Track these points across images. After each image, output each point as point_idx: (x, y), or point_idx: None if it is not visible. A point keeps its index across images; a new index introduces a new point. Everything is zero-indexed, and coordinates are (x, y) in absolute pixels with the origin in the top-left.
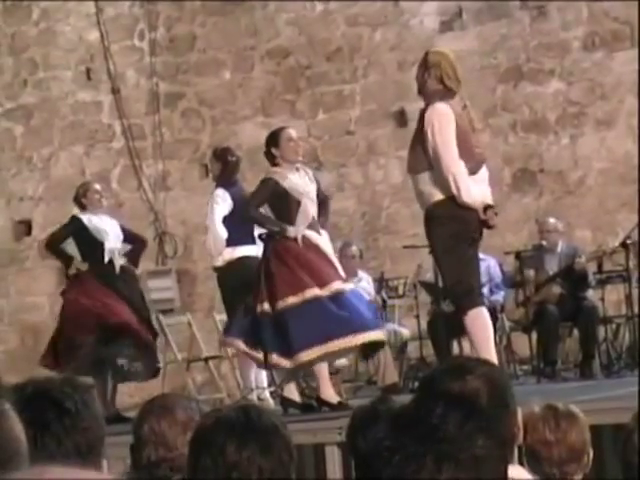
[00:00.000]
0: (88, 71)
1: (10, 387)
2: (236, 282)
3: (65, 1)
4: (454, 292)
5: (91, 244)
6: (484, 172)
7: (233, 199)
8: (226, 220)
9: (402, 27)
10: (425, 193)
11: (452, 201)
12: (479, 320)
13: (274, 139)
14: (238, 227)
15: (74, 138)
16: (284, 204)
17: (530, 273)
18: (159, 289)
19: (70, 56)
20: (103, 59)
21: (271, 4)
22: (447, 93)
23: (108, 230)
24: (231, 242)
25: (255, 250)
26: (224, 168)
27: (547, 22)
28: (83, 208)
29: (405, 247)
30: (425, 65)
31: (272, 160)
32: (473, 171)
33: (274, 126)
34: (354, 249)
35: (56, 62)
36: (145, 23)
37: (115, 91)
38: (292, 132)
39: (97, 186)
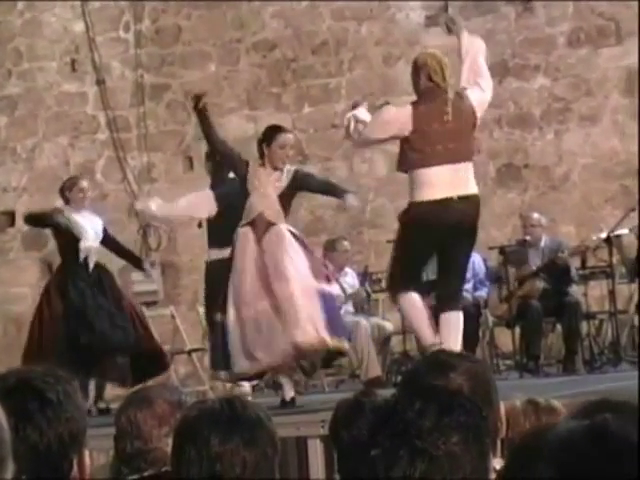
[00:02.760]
0: (73, 62)
1: None
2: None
3: None
4: None
5: (68, 240)
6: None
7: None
8: (215, 220)
9: (388, 21)
10: None
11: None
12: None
13: (270, 137)
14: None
15: (58, 129)
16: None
17: (513, 268)
18: (142, 281)
19: (55, 47)
20: (88, 50)
21: None
22: (437, 89)
23: (87, 228)
24: (221, 243)
25: None
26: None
27: (533, 18)
28: (66, 202)
29: (389, 242)
30: (415, 67)
31: (259, 151)
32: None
33: (260, 119)
34: (345, 244)
35: (41, 53)
36: (130, 15)
37: (100, 82)
38: (288, 139)
39: (84, 184)
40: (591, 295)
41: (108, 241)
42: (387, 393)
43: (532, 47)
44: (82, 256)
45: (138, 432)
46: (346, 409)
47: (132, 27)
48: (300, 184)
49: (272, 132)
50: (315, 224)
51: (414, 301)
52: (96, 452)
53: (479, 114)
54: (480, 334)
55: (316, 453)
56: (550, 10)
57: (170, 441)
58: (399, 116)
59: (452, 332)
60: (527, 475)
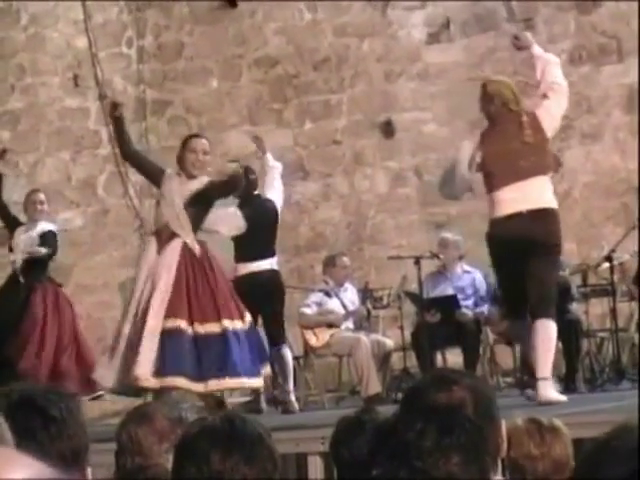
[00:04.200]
0: (75, 77)
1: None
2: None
3: (54, 7)
4: None
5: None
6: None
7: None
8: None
9: (389, 38)
10: None
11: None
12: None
13: (183, 143)
14: (252, 243)
15: (60, 144)
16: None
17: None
18: None
19: (58, 62)
20: (91, 66)
21: (259, 13)
22: (509, 113)
23: (19, 241)
24: (245, 258)
25: (269, 264)
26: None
27: (534, 35)
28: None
29: (390, 258)
30: (487, 95)
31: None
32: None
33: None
34: (345, 260)
35: (44, 68)
36: (133, 30)
37: (102, 98)
38: (199, 143)
39: (39, 196)
40: (592, 313)
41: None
42: (387, 410)
43: (534, 65)
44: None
45: (139, 448)
46: (347, 427)
47: (135, 43)
48: (210, 194)
49: (185, 139)
50: (316, 240)
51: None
52: (97, 468)
53: (551, 127)
54: (480, 351)
55: (316, 470)
56: (552, 27)
57: (171, 457)
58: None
59: (539, 340)
60: (600, 476)
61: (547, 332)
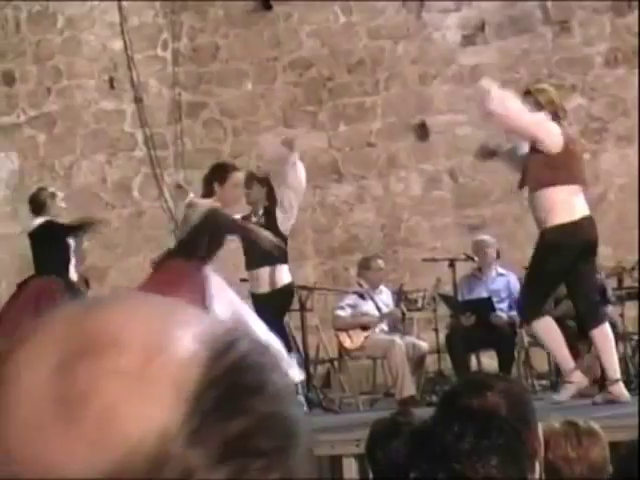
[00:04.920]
0: (111, 80)
1: None
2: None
3: (90, 10)
4: None
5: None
6: None
7: None
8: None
9: (424, 40)
10: None
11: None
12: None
13: (220, 174)
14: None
15: (96, 146)
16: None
17: None
18: None
19: (94, 65)
20: (126, 68)
21: (294, 15)
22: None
23: None
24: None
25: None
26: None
27: (569, 37)
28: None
29: (424, 260)
30: (537, 102)
31: (208, 189)
32: None
33: (296, 137)
34: (380, 262)
35: (80, 71)
36: (168, 33)
37: (137, 100)
38: (240, 177)
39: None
40: (627, 316)
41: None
42: (421, 412)
43: (569, 67)
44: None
45: None
46: (383, 429)
47: (170, 45)
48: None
49: (223, 171)
50: (350, 242)
51: (550, 325)
52: None
53: None
54: (515, 354)
55: (351, 472)
56: (587, 30)
57: None
58: (552, 128)
59: (604, 345)
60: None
61: (606, 336)
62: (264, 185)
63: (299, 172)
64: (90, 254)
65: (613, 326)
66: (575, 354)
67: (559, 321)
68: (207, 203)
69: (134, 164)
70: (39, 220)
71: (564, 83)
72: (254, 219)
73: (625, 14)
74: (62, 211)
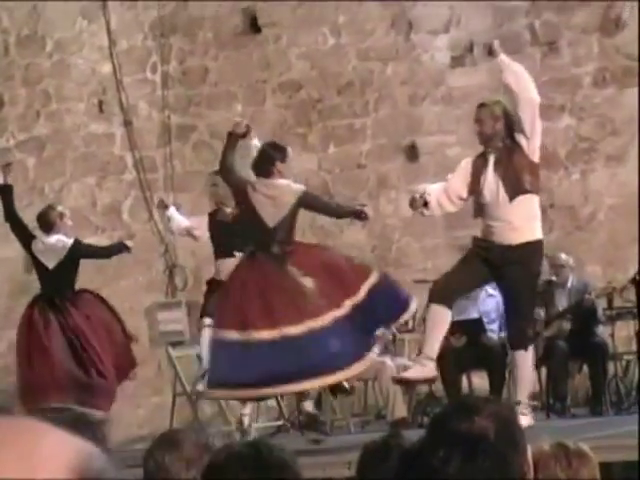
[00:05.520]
0: (100, 103)
1: None
2: None
3: (79, 33)
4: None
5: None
6: None
7: None
8: None
9: (413, 61)
10: None
11: None
12: None
13: (283, 154)
14: None
15: (86, 170)
16: None
17: (539, 310)
18: (169, 321)
19: (83, 88)
20: (115, 91)
21: (283, 38)
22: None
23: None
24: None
25: None
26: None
27: (558, 58)
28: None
29: (415, 281)
30: (495, 117)
31: (269, 169)
32: None
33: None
34: None
35: (69, 94)
36: (158, 56)
37: (127, 123)
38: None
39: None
40: (618, 336)
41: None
42: (413, 434)
43: (557, 87)
44: None
45: (166, 475)
46: (373, 451)
47: (159, 68)
48: None
49: (282, 149)
50: None
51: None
52: None
53: None
54: (507, 374)
55: None
56: (575, 50)
57: None
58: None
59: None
60: None
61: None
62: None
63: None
64: (80, 276)
65: (603, 346)
66: (566, 373)
67: (550, 341)
68: None
69: (124, 187)
70: (56, 238)
71: (553, 103)
72: (228, 212)
73: (613, 34)
74: (70, 229)
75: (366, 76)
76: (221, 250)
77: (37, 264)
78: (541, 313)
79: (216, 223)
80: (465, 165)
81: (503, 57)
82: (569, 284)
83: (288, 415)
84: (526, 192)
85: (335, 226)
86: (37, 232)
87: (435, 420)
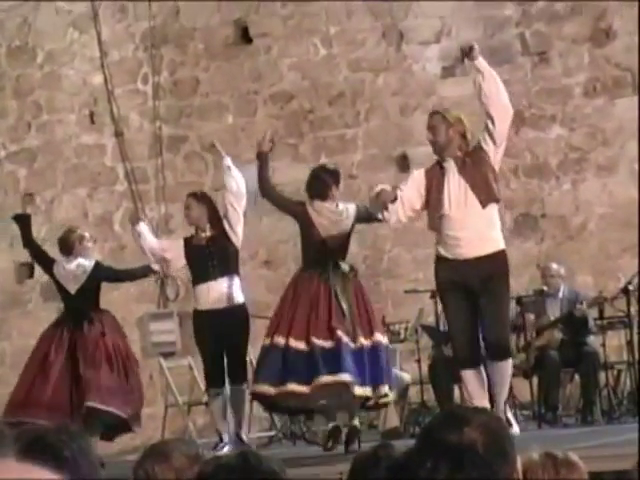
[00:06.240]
0: (92, 114)
1: (12, 435)
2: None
3: (70, 44)
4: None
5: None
6: None
7: None
8: None
9: (404, 72)
10: None
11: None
12: None
13: (338, 178)
14: None
15: (77, 181)
16: None
17: (531, 318)
18: (160, 332)
19: (74, 99)
20: (107, 102)
21: (274, 48)
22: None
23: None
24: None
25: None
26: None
27: (549, 68)
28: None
29: (407, 291)
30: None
31: (325, 193)
32: None
33: (277, 170)
34: None
35: (60, 105)
36: (149, 67)
37: (118, 134)
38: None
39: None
40: (609, 345)
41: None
42: (405, 444)
43: (548, 97)
44: None
45: None
46: (363, 462)
47: (150, 79)
48: None
49: (337, 174)
50: None
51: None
52: None
53: None
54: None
55: None
56: (566, 60)
57: None
58: None
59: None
60: None
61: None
62: (203, 203)
63: (235, 175)
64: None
65: (595, 355)
66: (557, 383)
67: (541, 350)
68: None
69: (115, 198)
70: (76, 263)
71: (544, 113)
72: (203, 236)
73: (603, 44)
74: (91, 252)
75: (357, 87)
76: (197, 275)
77: (59, 287)
78: (532, 320)
79: (193, 248)
80: (418, 176)
81: (482, 60)
82: (560, 294)
83: (280, 426)
84: (497, 200)
85: None
86: (58, 256)
87: (424, 430)
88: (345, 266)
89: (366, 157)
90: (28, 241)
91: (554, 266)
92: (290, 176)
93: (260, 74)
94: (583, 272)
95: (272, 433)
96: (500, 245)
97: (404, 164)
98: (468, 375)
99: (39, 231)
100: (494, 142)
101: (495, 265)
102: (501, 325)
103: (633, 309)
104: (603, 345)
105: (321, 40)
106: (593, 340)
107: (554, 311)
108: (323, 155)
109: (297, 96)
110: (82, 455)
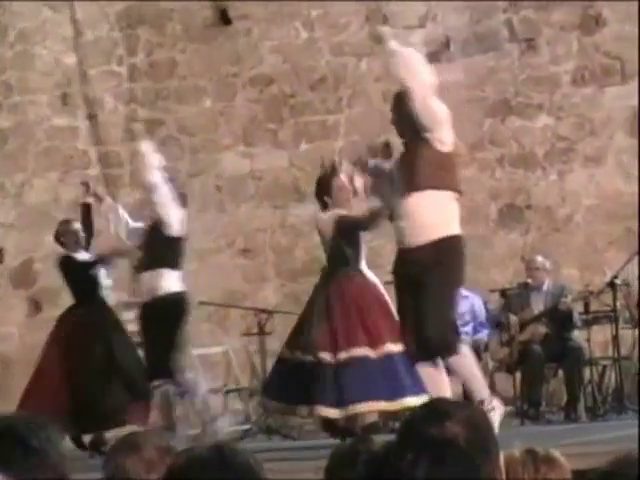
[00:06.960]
0: (64, 96)
1: None
2: None
3: (43, 23)
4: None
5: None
6: None
7: None
8: None
9: (388, 57)
10: None
11: None
12: None
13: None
14: None
15: (49, 164)
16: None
17: (515, 312)
18: (133, 321)
19: (46, 80)
20: (80, 84)
21: (255, 31)
22: None
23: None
24: None
25: None
26: None
27: (536, 56)
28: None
29: (387, 283)
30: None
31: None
32: None
33: (256, 156)
34: None
35: (32, 86)
36: (124, 48)
37: (92, 117)
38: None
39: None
40: (594, 340)
41: None
42: (383, 439)
43: (535, 86)
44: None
45: (126, 478)
46: (341, 456)
47: (125, 60)
48: None
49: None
50: (312, 264)
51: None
52: None
53: None
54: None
55: None
56: (554, 48)
57: None
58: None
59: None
60: None
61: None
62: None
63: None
64: (42, 275)
65: (579, 350)
66: (540, 378)
67: (525, 345)
68: None
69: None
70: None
71: (531, 102)
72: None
73: (592, 32)
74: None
75: (340, 71)
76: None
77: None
78: (515, 314)
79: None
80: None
81: (392, 44)
82: (545, 287)
83: (255, 419)
84: (425, 188)
85: (306, 225)
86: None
87: (405, 423)
88: None
89: (348, 144)
90: None
91: (539, 259)
92: (269, 162)
93: (239, 57)
94: (569, 265)
95: (247, 427)
96: (439, 233)
97: (387, 152)
98: (424, 372)
99: (8, 216)
100: (424, 128)
101: (435, 253)
102: (436, 320)
103: (619, 304)
104: (588, 340)
105: (302, 23)
106: (578, 335)
107: (538, 305)
108: (304, 141)
109: (277, 80)
110: (51, 445)
